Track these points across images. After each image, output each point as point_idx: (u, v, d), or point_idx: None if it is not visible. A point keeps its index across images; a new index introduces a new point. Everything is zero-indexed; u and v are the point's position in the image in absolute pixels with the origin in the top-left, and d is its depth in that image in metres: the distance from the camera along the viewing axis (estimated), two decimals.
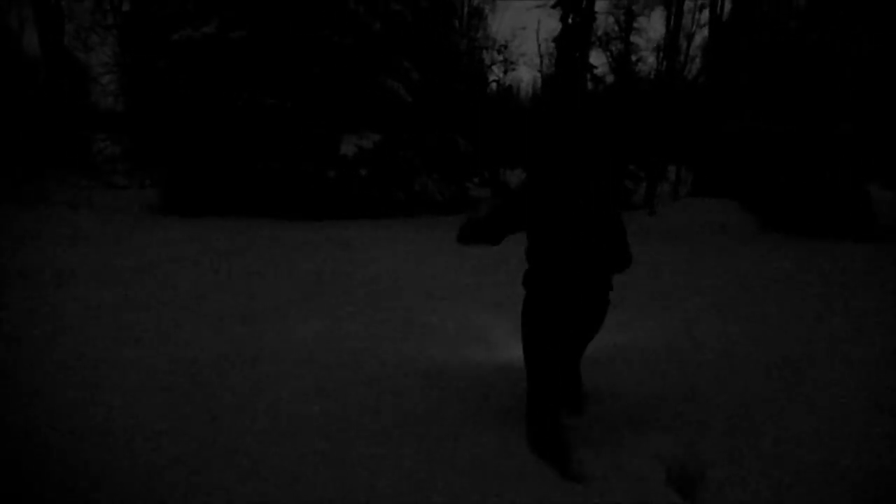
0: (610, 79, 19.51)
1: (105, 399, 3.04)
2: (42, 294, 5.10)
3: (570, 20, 16.43)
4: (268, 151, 11.37)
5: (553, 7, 16.67)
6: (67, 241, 7.80)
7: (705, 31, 21.87)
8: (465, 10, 21.13)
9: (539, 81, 24.96)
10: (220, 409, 3.00)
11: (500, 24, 58.87)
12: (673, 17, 18.43)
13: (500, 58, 23.50)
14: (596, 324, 2.73)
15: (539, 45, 35.67)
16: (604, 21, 21.88)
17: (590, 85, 17.22)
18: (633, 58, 19.82)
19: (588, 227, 2.60)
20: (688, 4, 19.72)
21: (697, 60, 22.06)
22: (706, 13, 20.65)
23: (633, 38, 19.17)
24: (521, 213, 2.67)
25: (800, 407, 3.25)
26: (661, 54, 21.21)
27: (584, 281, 2.61)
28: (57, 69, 17.77)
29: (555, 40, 17.25)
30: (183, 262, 6.80)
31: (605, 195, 2.71)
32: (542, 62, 24.68)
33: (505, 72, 24.53)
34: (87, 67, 19.36)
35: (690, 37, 21.65)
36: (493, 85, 22.81)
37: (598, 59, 22.73)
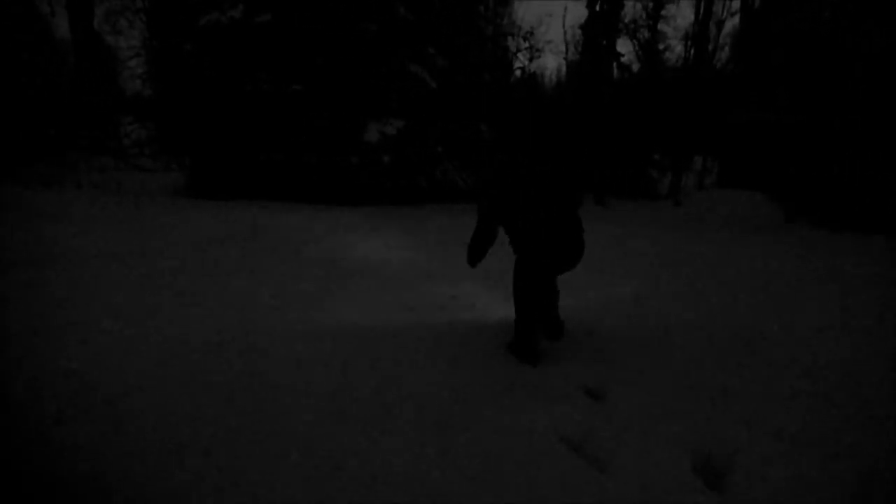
0: (636, 67, 19.30)
1: (118, 380, 3.04)
2: (68, 274, 5.18)
3: (597, 7, 16.23)
4: (292, 137, 11.42)
5: None
6: (95, 223, 7.90)
7: (735, 19, 21.45)
8: None
9: (564, 69, 24.71)
10: (234, 392, 2.99)
11: (526, 11, 58.17)
12: (703, 4, 18.03)
13: (526, 45, 23.30)
14: (572, 260, 3.51)
15: (565, 33, 35.37)
16: (631, 8, 21.58)
17: (616, 72, 17.02)
18: (661, 46, 19.57)
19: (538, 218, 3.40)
20: None
21: (727, 49, 21.68)
22: (737, 1, 20.27)
23: (661, 26, 18.91)
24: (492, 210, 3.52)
25: (814, 396, 3.21)
26: (690, 42, 20.82)
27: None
28: (86, 53, 17.99)
29: (581, 27, 17.06)
30: (204, 245, 6.85)
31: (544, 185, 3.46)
32: (567, 49, 24.38)
33: (530, 59, 24.33)
34: (116, 51, 19.60)
35: (720, 24, 21.24)
36: (518, 72, 22.67)
37: (625, 46, 22.43)
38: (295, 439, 2.57)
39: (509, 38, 22.10)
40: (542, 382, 3.28)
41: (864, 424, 2.93)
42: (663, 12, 18.47)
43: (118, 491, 2.18)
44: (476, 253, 3.66)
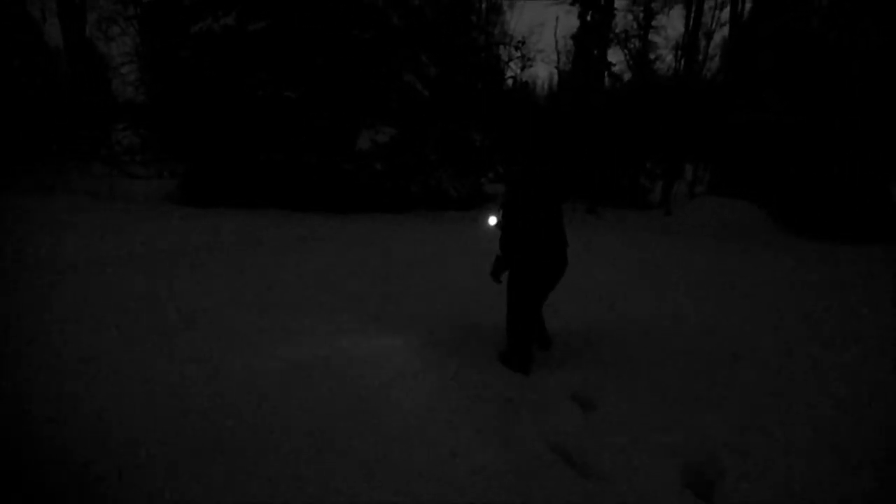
0: (628, 76, 19.46)
1: (100, 394, 3.02)
2: (58, 282, 5.18)
3: (588, 17, 16.37)
4: (285, 144, 11.43)
5: (572, 4, 16.62)
6: (87, 230, 7.89)
7: (725, 30, 21.65)
8: (484, 5, 21.05)
9: (556, 78, 24.86)
10: (212, 403, 2.98)
11: (517, 21, 58.65)
12: (692, 14, 18.23)
13: (518, 54, 23.42)
14: (558, 276, 3.55)
15: (556, 42, 35.58)
16: (622, 18, 21.78)
17: (607, 82, 17.16)
18: (652, 56, 19.73)
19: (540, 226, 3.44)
20: (708, 2, 19.49)
21: (716, 59, 21.90)
22: (727, 11, 20.47)
23: (652, 37, 19.09)
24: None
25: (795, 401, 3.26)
26: (680, 52, 21.03)
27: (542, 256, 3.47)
28: (78, 60, 17.96)
29: (573, 37, 17.20)
30: (196, 253, 6.84)
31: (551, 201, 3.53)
32: (559, 59, 24.51)
33: (522, 68, 24.47)
34: (108, 58, 19.56)
35: (710, 35, 21.46)
36: (510, 81, 22.78)
37: (616, 56, 22.57)
38: (285, 444, 2.58)
39: (501, 47, 22.24)
40: (533, 392, 3.30)
41: (856, 432, 2.96)
42: (654, 23, 18.65)
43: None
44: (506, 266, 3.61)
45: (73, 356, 3.44)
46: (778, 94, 12.71)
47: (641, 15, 18.57)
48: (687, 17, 19.29)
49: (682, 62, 20.01)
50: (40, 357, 3.42)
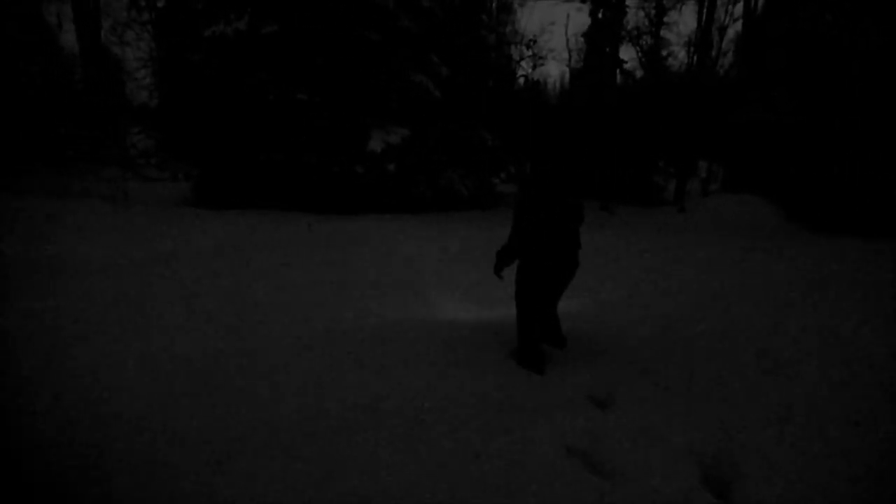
0: (640, 74, 19.34)
1: (106, 393, 3.09)
2: (79, 284, 5.23)
3: (599, 15, 16.30)
4: (298, 146, 11.46)
5: (583, 1, 16.55)
6: (100, 233, 7.95)
7: (738, 25, 21.46)
8: (494, 4, 21.02)
9: (567, 77, 24.74)
10: (217, 402, 3.04)
11: (528, 19, 58.63)
12: (705, 10, 18.08)
13: (529, 53, 23.38)
14: (567, 277, 3.59)
15: (568, 41, 35.42)
16: (634, 15, 21.64)
17: (619, 79, 17.07)
18: (664, 52, 19.59)
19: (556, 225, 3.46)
20: None
21: (730, 55, 21.69)
22: (739, 6, 20.29)
23: (664, 33, 18.94)
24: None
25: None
26: (693, 48, 20.86)
27: (555, 252, 3.49)
28: (93, 64, 18.15)
29: (584, 35, 17.13)
30: (208, 255, 6.89)
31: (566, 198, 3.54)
32: (571, 57, 24.41)
33: (533, 67, 24.41)
34: (123, 62, 19.78)
35: (723, 30, 21.27)
36: (521, 80, 22.74)
37: (627, 53, 22.43)
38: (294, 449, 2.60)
39: (512, 47, 22.20)
40: (547, 391, 3.30)
41: (866, 429, 2.93)
42: (666, 19, 18.50)
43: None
44: (508, 261, 3.65)
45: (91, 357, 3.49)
46: (788, 93, 12.58)
47: (653, 11, 18.44)
48: (699, 13, 19.14)
49: (695, 58, 19.85)
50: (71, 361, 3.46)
